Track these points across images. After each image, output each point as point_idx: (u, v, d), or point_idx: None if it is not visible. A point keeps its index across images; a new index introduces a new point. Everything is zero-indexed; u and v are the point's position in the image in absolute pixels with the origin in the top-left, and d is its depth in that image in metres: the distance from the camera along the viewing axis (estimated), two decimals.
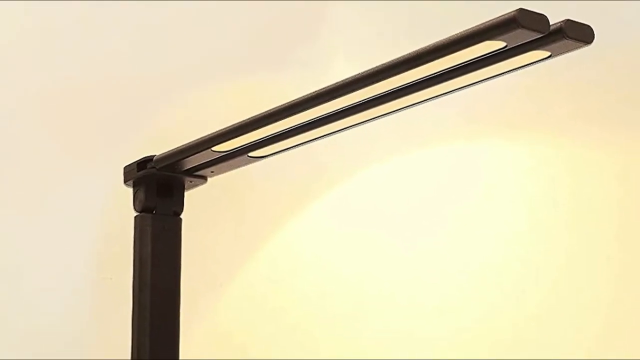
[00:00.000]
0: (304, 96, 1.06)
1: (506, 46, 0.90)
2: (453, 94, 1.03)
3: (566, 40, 0.89)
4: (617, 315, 1.68)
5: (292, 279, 1.68)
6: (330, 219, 1.70)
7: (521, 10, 0.86)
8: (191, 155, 1.19)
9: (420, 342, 1.68)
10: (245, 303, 1.66)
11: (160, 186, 1.24)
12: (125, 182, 1.27)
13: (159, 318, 1.24)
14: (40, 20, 1.60)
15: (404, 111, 1.07)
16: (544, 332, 1.68)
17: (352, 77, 1.00)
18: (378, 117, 1.07)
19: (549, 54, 0.92)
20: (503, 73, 0.96)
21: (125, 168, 1.27)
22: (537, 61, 0.94)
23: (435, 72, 0.96)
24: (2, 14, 1.58)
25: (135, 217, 1.25)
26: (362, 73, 0.99)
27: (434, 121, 1.69)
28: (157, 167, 1.23)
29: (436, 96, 1.02)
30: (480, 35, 0.89)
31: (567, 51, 0.92)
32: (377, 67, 0.97)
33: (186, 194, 1.26)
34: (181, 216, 1.26)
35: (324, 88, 1.03)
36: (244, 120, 1.12)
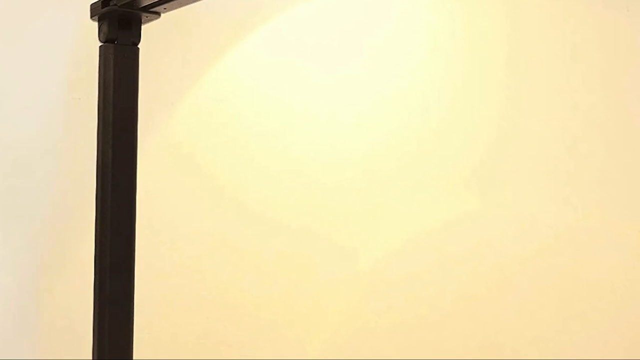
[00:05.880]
0: None
1: None
2: None
3: None
4: (506, 128, 1.76)
5: (232, 99, 1.70)
6: (264, 48, 1.70)
7: None
8: None
9: (340, 152, 1.74)
10: (192, 119, 1.68)
11: (121, 20, 1.24)
12: (91, 17, 1.27)
13: (120, 132, 1.25)
14: None
15: None
16: (444, 143, 1.76)
17: None
18: None
19: None
20: None
21: (91, 5, 1.27)
22: None
23: None
24: None
25: (100, 46, 1.26)
26: None
27: None
28: (118, 5, 1.23)
29: None
30: None
31: None
32: None
33: (143, 27, 1.27)
34: (138, 46, 1.26)
35: None
36: None
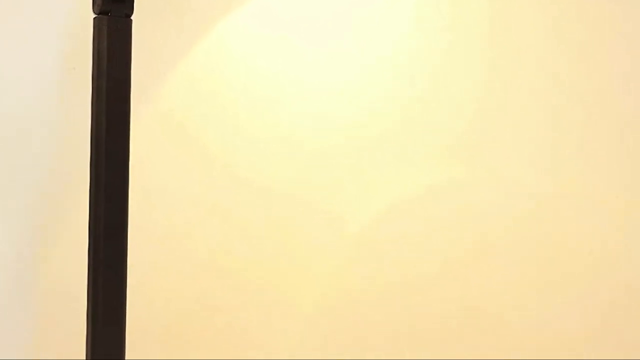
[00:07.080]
0: None
1: None
2: None
3: None
4: (489, 97, 1.78)
5: (222, 69, 1.70)
6: (253, 21, 1.70)
7: None
8: None
9: (329, 120, 1.75)
10: (183, 88, 1.68)
11: None
12: None
13: (113, 100, 1.26)
14: None
15: None
16: (429, 111, 1.77)
17: None
18: None
19: None
20: None
21: None
22: None
23: None
24: None
25: (94, 18, 1.26)
26: None
27: None
28: None
29: None
30: None
31: None
32: None
33: None
34: (131, 18, 1.27)
35: None
36: None
